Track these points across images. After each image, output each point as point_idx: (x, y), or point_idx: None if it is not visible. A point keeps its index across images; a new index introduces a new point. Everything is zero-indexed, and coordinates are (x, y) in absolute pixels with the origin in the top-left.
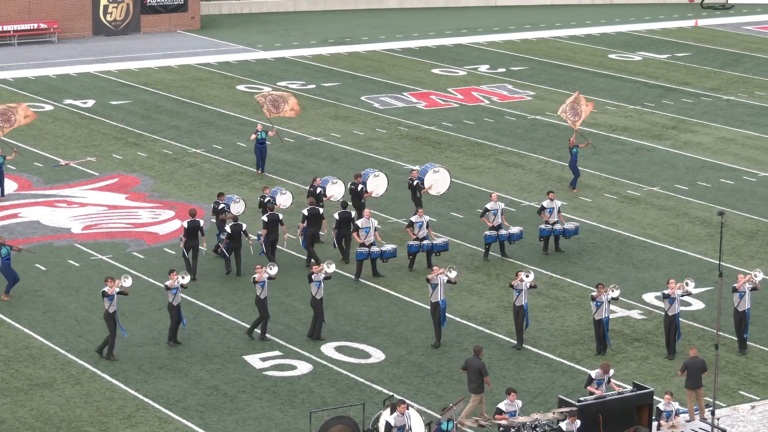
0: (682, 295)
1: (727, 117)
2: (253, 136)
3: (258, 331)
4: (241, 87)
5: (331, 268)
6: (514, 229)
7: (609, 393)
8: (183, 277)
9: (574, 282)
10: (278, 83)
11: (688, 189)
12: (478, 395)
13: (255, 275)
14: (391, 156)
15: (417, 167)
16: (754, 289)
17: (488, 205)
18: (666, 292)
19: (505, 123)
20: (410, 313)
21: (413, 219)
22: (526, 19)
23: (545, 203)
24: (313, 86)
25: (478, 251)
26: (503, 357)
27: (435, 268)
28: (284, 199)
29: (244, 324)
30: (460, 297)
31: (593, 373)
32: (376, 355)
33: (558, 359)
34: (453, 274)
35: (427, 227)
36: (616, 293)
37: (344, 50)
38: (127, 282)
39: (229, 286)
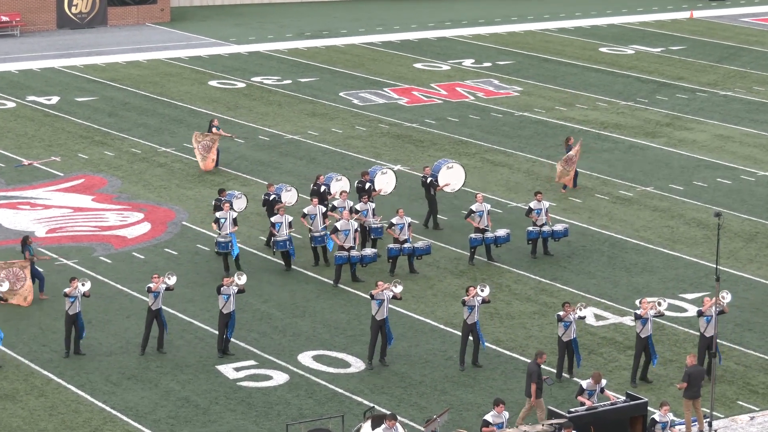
0: (654, 316)
1: (724, 113)
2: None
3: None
4: (213, 83)
5: (242, 280)
6: (501, 232)
7: (601, 404)
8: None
9: (564, 287)
10: (252, 78)
11: (683, 189)
12: (538, 400)
13: (150, 284)
14: (371, 155)
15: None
16: (721, 312)
17: (473, 207)
18: (638, 312)
19: (491, 120)
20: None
21: (394, 220)
22: (513, 11)
23: (532, 204)
24: (289, 82)
25: (463, 255)
26: (489, 366)
27: (380, 283)
28: (289, 196)
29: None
30: (444, 303)
31: (584, 384)
32: (356, 365)
33: (548, 368)
34: (398, 289)
35: (408, 228)
36: (584, 312)
37: (322, 44)
38: (4, 286)
39: (201, 292)
